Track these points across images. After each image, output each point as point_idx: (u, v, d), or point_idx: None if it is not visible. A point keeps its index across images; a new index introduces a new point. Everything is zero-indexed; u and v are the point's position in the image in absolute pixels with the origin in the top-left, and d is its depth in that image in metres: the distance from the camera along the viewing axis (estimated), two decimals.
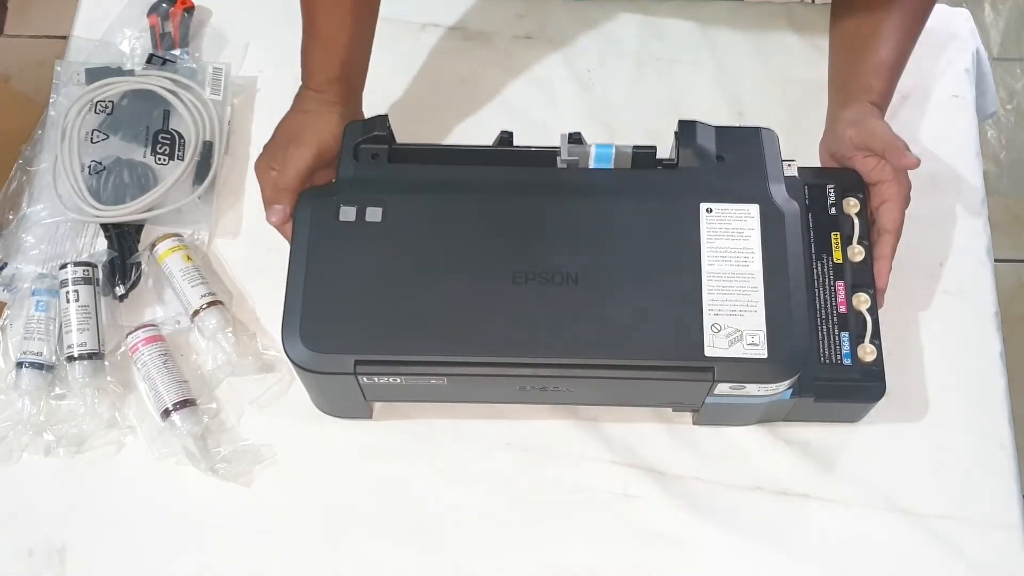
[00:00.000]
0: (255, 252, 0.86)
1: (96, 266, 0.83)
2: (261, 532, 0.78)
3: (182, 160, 0.87)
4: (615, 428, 0.80)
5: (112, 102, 0.89)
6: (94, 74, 0.90)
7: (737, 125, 0.78)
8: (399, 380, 0.72)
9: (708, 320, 0.70)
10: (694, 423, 0.80)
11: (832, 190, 0.80)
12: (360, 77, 0.85)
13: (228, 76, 0.92)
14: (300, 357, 0.71)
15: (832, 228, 0.79)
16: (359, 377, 0.71)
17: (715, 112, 0.81)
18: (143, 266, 0.84)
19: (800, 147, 0.84)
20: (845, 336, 0.76)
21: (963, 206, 0.88)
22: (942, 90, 0.93)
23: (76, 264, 0.82)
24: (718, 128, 0.78)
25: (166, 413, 0.78)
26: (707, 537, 0.77)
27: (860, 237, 0.78)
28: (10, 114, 1.41)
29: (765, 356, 0.69)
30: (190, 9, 0.95)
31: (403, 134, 0.81)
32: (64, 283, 0.81)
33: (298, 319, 0.71)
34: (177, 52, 0.92)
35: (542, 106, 0.93)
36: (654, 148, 0.76)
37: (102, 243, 0.86)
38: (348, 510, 0.78)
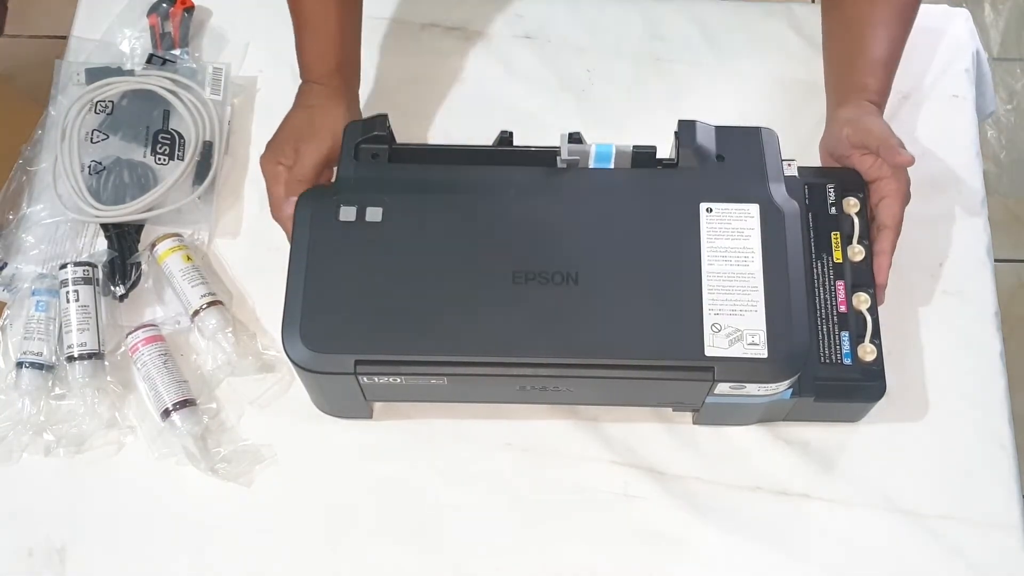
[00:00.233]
0: (255, 252, 0.86)
1: (96, 266, 0.83)
2: (261, 532, 0.78)
3: (182, 160, 0.87)
4: (615, 428, 0.80)
5: (112, 102, 0.89)
6: (94, 74, 0.90)
7: (737, 125, 0.78)
8: (399, 380, 0.72)
9: (708, 320, 0.70)
10: (694, 423, 0.80)
11: (832, 190, 0.80)
12: (355, 72, 0.85)
13: (228, 76, 0.92)
14: (300, 357, 0.71)
15: (832, 228, 0.79)
16: (359, 377, 0.71)
17: (715, 112, 0.80)
18: (143, 266, 0.84)
19: (800, 147, 0.85)
20: (845, 336, 0.76)
21: (963, 206, 0.88)
22: (942, 90, 0.93)
23: (76, 264, 0.82)
24: (718, 128, 0.78)
25: (166, 413, 0.78)
26: (707, 537, 0.77)
27: (860, 237, 0.78)
28: (10, 114, 1.41)
29: (765, 356, 0.69)
30: (190, 9, 0.95)
31: (403, 134, 0.81)
32: (64, 283, 0.81)
33: (298, 319, 0.71)
34: (177, 52, 0.92)
35: (542, 106, 0.93)
36: (654, 148, 0.76)
37: (102, 243, 0.86)
38: (348, 510, 0.78)
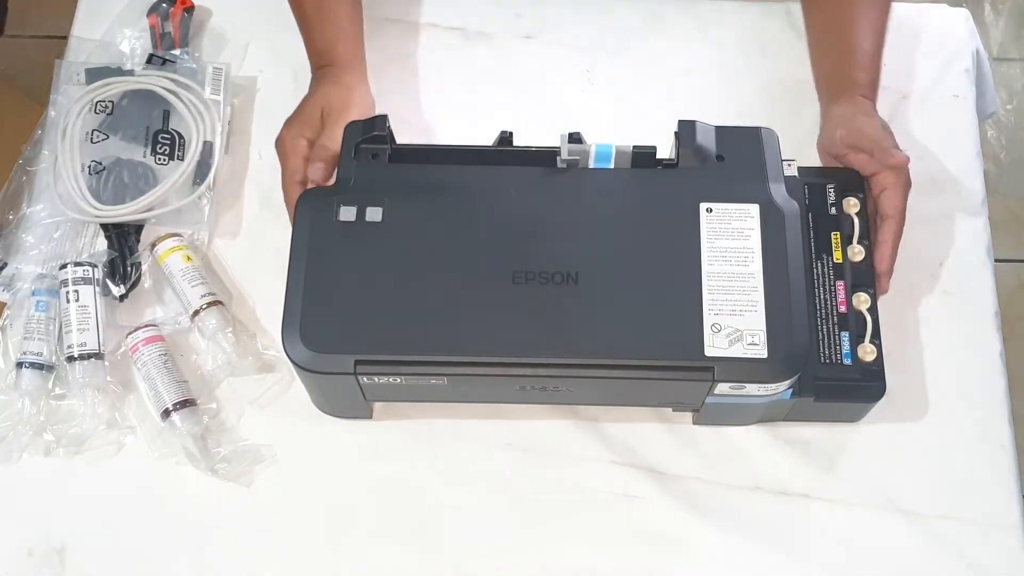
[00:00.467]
0: (255, 252, 0.86)
1: (96, 266, 0.83)
2: (261, 532, 0.78)
3: (182, 160, 0.87)
4: (615, 428, 0.80)
5: (112, 102, 0.89)
6: (94, 74, 0.90)
7: (737, 125, 0.78)
8: (399, 380, 0.72)
9: (708, 320, 0.70)
10: (694, 423, 0.80)
11: (832, 190, 0.80)
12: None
13: (228, 76, 0.92)
14: (300, 357, 0.71)
15: (832, 228, 0.79)
16: (359, 377, 0.71)
17: (715, 112, 0.80)
18: (143, 266, 0.84)
19: (800, 147, 0.85)
20: (845, 336, 0.76)
21: (963, 206, 0.88)
22: (942, 90, 0.93)
23: (76, 264, 0.82)
24: (718, 128, 0.78)
25: (166, 413, 0.78)
26: (707, 537, 0.77)
27: (860, 237, 0.78)
28: (10, 114, 1.41)
29: (765, 356, 0.69)
30: (190, 9, 0.95)
31: (403, 134, 0.81)
32: (64, 283, 0.81)
33: (298, 319, 0.71)
34: (177, 52, 0.92)
35: (542, 106, 0.93)
36: (654, 148, 0.76)
37: (102, 243, 0.86)
38: (348, 510, 0.78)
